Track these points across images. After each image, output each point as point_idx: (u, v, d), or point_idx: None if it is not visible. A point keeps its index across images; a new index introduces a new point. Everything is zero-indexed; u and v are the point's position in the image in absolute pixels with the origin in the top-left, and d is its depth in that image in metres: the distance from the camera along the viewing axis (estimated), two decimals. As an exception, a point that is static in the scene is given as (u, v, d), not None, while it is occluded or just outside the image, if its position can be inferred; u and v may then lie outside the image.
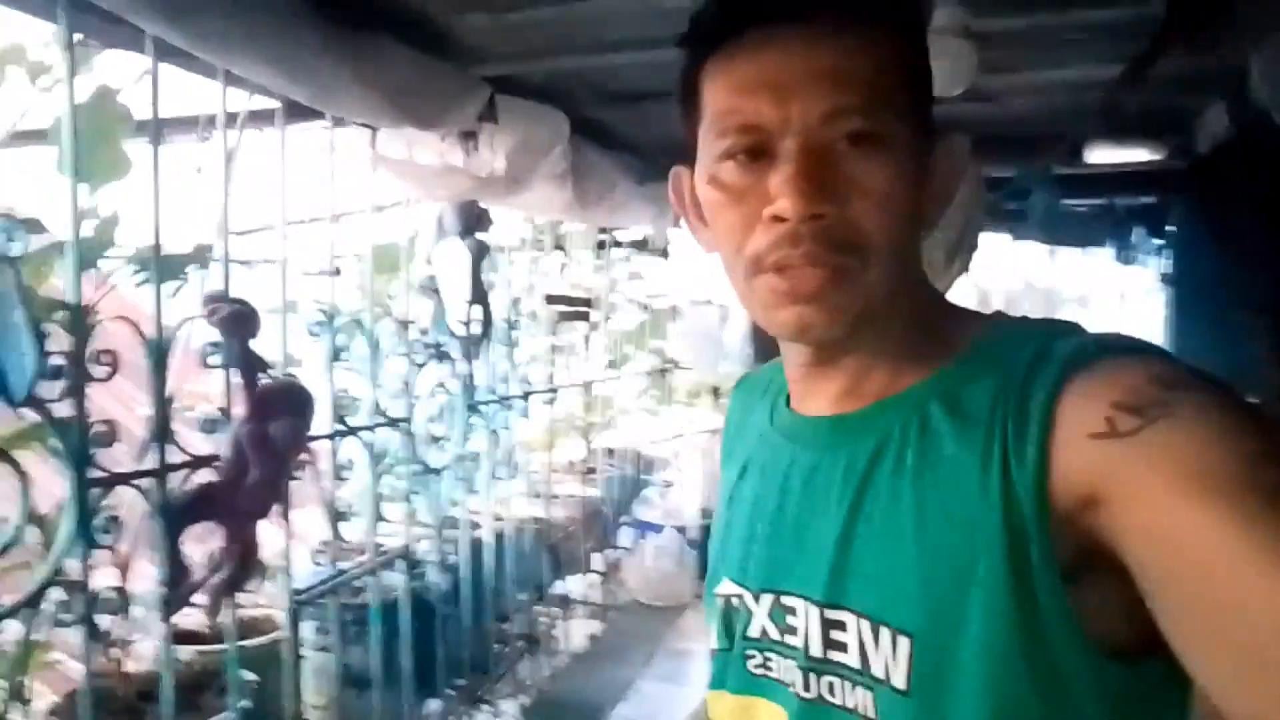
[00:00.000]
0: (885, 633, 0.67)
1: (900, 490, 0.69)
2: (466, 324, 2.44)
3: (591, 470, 3.93)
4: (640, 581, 4.15)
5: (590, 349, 3.60)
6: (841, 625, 0.70)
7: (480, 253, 2.38)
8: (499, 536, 3.00)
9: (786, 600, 0.76)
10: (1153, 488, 0.56)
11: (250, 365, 1.61)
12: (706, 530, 4.16)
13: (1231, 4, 1.55)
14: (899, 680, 0.66)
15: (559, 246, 3.70)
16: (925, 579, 0.66)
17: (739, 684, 0.79)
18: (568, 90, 2.33)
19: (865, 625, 0.69)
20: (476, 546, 2.86)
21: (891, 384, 0.73)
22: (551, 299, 3.15)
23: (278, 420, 1.62)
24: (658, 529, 4.27)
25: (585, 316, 3.42)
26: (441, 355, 2.36)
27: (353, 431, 1.99)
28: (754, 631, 0.78)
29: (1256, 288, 2.74)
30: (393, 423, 2.17)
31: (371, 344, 2.06)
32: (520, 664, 3.22)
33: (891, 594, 0.68)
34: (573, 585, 3.76)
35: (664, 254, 4.82)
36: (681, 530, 4.20)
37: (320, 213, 1.96)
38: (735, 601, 0.81)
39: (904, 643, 0.66)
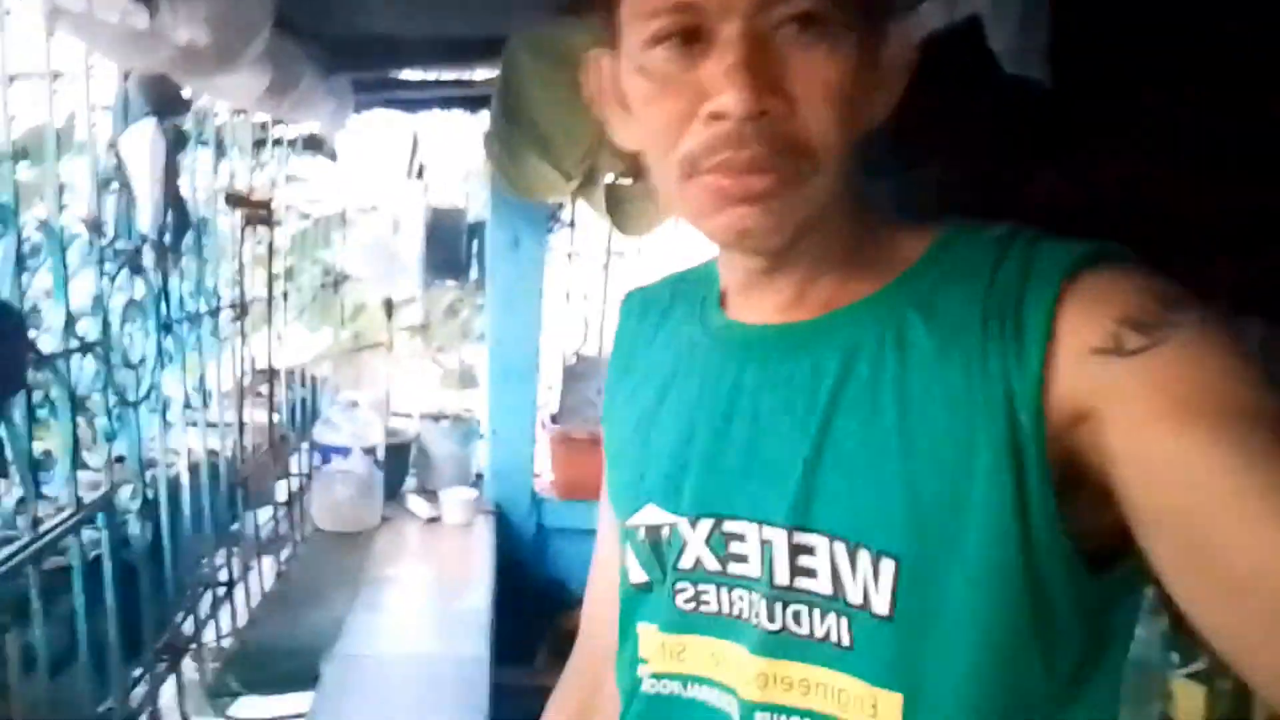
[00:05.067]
0: (864, 555, 0.64)
1: (880, 404, 0.65)
2: (161, 227, 2.04)
3: (272, 393, 3.56)
4: (326, 509, 3.87)
5: (271, 258, 3.20)
6: (810, 550, 0.66)
7: (179, 141, 1.99)
8: (194, 473, 2.62)
9: (731, 526, 0.70)
10: (1159, 412, 0.55)
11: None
12: (394, 449, 3.97)
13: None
14: (881, 606, 0.63)
15: (210, 140, 3.20)
16: (913, 498, 0.63)
17: (670, 622, 0.74)
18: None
19: (840, 548, 0.65)
20: (174, 487, 2.48)
21: (841, 292, 0.70)
22: (233, 199, 2.74)
23: (-23, 348, 1.25)
24: (344, 451, 3.99)
25: (268, 221, 3.03)
26: (135, 266, 1.97)
27: (48, 360, 1.59)
28: (686, 563, 0.73)
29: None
30: (87, 347, 1.77)
31: (58, 247, 1.65)
32: (219, 611, 2.87)
33: (873, 515, 0.64)
34: (262, 519, 3.42)
35: (332, 155, 4.39)
36: (370, 451, 3.97)
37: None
38: (665, 532, 0.75)
39: (888, 565, 0.63)
